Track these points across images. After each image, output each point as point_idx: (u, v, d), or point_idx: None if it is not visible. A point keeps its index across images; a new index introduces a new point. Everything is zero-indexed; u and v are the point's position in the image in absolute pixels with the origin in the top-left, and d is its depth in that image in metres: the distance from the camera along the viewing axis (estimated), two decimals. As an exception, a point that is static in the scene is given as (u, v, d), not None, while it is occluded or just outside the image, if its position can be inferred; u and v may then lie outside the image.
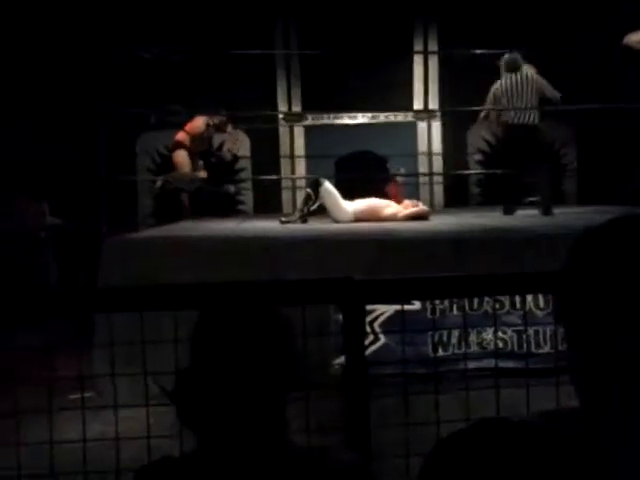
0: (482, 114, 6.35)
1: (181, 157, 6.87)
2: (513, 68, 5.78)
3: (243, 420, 0.95)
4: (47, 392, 1.57)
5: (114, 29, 7.31)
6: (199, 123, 6.93)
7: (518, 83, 5.70)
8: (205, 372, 0.95)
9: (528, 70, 5.78)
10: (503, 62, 5.88)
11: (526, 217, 5.33)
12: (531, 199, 6.18)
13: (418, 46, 8.44)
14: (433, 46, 8.40)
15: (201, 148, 7.10)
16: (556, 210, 5.60)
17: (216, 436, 0.95)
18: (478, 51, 7.11)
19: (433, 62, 8.41)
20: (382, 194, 6.06)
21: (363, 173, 7.61)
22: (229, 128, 7.26)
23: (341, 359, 3.03)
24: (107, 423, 1.94)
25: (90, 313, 2.72)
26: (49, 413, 1.51)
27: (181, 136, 6.95)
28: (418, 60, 8.45)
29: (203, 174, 7.12)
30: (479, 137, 8.39)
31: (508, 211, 5.79)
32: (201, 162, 7.12)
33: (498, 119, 5.94)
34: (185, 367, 0.98)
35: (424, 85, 8.45)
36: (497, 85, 5.86)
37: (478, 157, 8.42)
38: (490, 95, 5.89)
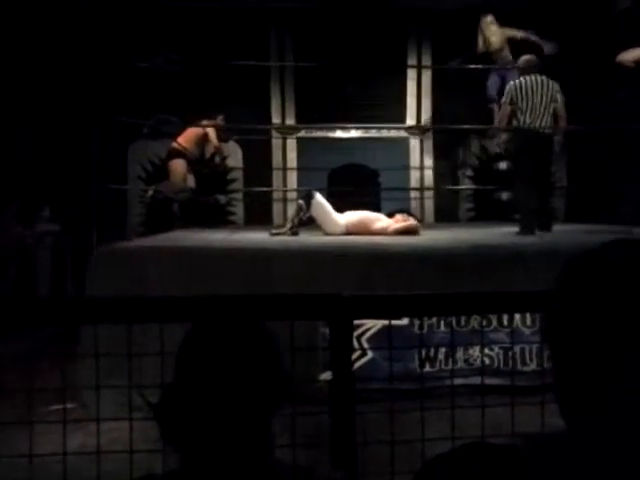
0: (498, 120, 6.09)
1: (179, 165, 6.88)
2: (531, 69, 5.53)
3: (228, 438, 0.94)
4: (27, 403, 1.54)
5: (112, 38, 7.32)
6: (192, 133, 6.94)
7: (535, 84, 5.43)
8: (190, 388, 0.94)
9: (548, 80, 5.52)
10: (520, 64, 5.70)
11: (513, 234, 5.32)
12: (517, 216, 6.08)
13: (412, 61, 8.51)
14: (427, 61, 8.47)
15: (196, 157, 7.11)
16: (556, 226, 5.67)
17: (200, 453, 0.94)
18: (471, 66, 7.18)
19: (426, 77, 8.48)
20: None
21: (355, 186, 7.64)
22: (222, 138, 7.28)
23: (328, 374, 3.03)
24: (89, 435, 1.92)
25: (74, 324, 2.69)
26: (29, 424, 1.49)
27: (177, 145, 6.96)
28: (411, 75, 8.52)
29: (192, 184, 7.13)
30: (470, 153, 8.45)
31: (528, 229, 5.30)
32: (190, 174, 7.13)
33: (510, 120, 5.60)
34: (169, 383, 0.97)
35: (417, 100, 8.50)
36: (511, 85, 5.58)
37: (469, 172, 8.47)
38: (507, 97, 5.56)
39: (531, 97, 5.38)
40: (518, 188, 5.62)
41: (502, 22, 7.27)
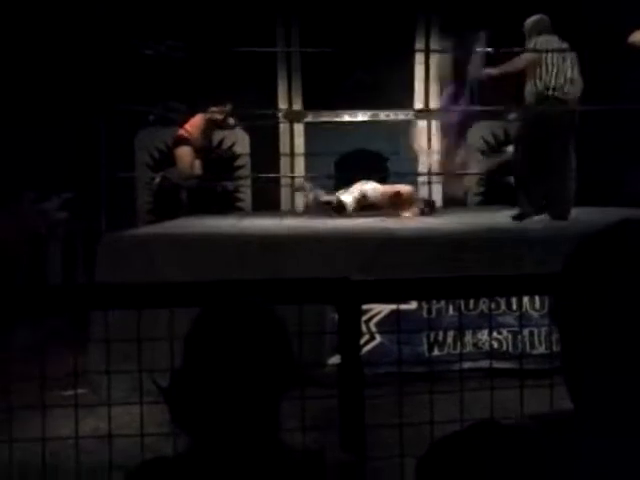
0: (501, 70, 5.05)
1: (184, 152, 6.90)
2: (545, 29, 4.84)
3: (237, 420, 0.95)
4: (40, 388, 1.56)
5: (116, 25, 7.30)
6: (199, 120, 6.95)
7: (559, 44, 4.76)
8: (199, 372, 0.95)
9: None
10: (530, 24, 4.92)
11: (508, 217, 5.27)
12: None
13: (420, 45, 8.43)
14: (435, 45, 8.39)
15: (202, 144, 7.11)
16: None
17: (210, 436, 0.95)
18: (479, 49, 7.10)
19: (434, 61, 8.40)
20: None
21: (363, 171, 7.61)
22: (231, 122, 7.28)
23: (336, 358, 3.03)
24: (101, 419, 1.94)
25: (85, 310, 2.72)
26: (42, 409, 1.51)
27: (183, 132, 6.97)
28: (419, 59, 8.45)
29: (198, 171, 7.15)
30: (479, 137, 8.39)
31: (523, 216, 4.87)
32: (197, 160, 7.14)
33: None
34: (179, 366, 0.98)
35: (425, 84, 8.44)
36: (525, 55, 4.84)
37: (478, 157, 8.41)
38: (523, 61, 4.83)
39: (557, 58, 4.68)
40: (521, 165, 4.95)
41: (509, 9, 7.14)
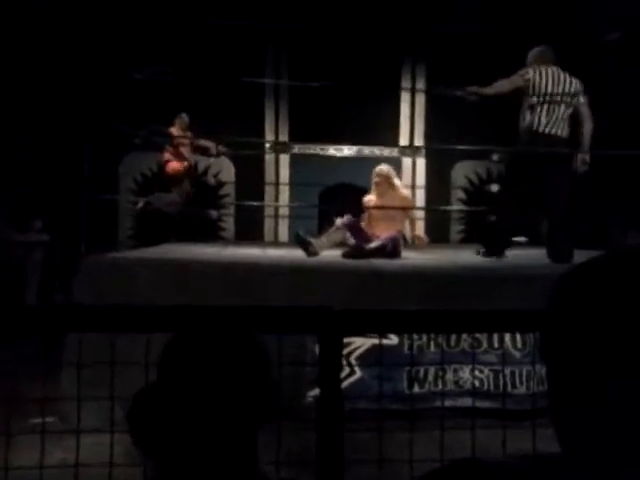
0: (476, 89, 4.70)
1: (177, 166, 6.92)
2: (549, 59, 4.58)
3: (210, 450, 0.90)
4: (5, 415, 1.50)
5: (106, 48, 7.33)
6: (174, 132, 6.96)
7: (556, 76, 4.45)
8: (170, 394, 0.90)
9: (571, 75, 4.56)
10: (535, 53, 4.65)
11: (510, 256, 5.30)
12: (519, 239, 5.80)
13: (406, 83, 8.58)
14: (421, 84, 8.54)
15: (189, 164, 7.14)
16: (536, 250, 5.24)
17: (178, 464, 0.90)
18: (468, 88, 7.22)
19: (420, 100, 8.55)
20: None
21: (346, 204, 7.63)
22: (216, 150, 7.29)
23: (316, 391, 2.98)
24: (69, 450, 1.87)
25: (56, 332, 2.65)
26: (7, 437, 1.44)
27: (169, 154, 7.00)
28: (405, 97, 8.59)
29: (188, 188, 7.15)
30: (463, 175, 8.49)
31: (496, 252, 4.69)
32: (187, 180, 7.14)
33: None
34: (143, 387, 0.93)
35: (410, 122, 8.56)
36: (529, 71, 4.49)
37: (461, 195, 8.50)
38: (523, 72, 4.49)
39: (551, 90, 4.40)
40: (506, 202, 4.74)
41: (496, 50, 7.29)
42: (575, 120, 4.50)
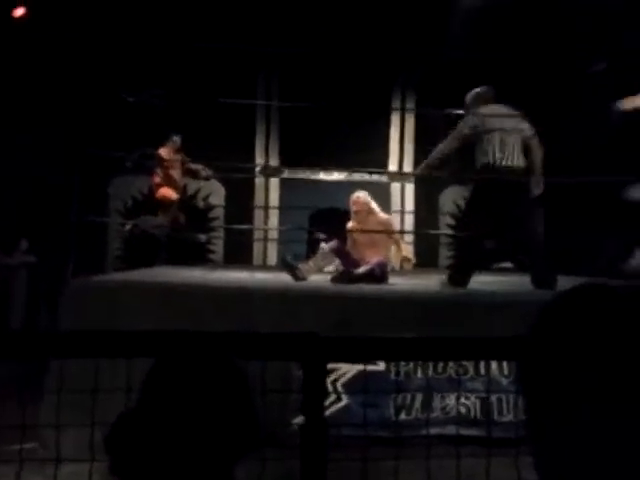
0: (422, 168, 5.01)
1: (168, 192, 6.92)
2: (490, 99, 4.74)
3: (188, 478, 0.89)
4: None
5: (99, 71, 7.37)
6: (162, 154, 6.95)
7: (499, 112, 4.61)
8: (149, 421, 0.89)
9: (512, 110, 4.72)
10: (474, 95, 4.81)
11: (493, 282, 5.34)
12: (500, 265, 5.84)
13: (396, 106, 8.67)
14: (411, 106, 8.64)
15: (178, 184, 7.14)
16: (522, 278, 5.13)
17: None
18: (456, 112, 7.31)
19: (409, 124, 8.63)
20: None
21: (335, 228, 7.65)
22: (205, 174, 7.30)
23: (300, 418, 2.95)
24: (49, 477, 1.84)
25: (37, 358, 2.62)
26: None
27: (159, 178, 7.00)
28: (395, 121, 8.68)
29: (182, 218, 7.15)
30: (451, 201, 8.56)
31: (460, 281, 4.60)
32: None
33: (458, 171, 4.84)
34: (123, 412, 0.91)
35: (400, 148, 8.64)
36: (469, 121, 4.63)
37: (449, 220, 8.55)
38: (463, 127, 4.64)
39: (499, 126, 4.53)
40: (469, 233, 4.74)
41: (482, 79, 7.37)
42: (525, 150, 4.63)
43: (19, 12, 7.02)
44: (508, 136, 4.54)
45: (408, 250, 5.50)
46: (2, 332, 3.36)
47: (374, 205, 5.55)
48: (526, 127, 4.67)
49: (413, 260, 5.60)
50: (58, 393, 1.45)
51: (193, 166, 7.14)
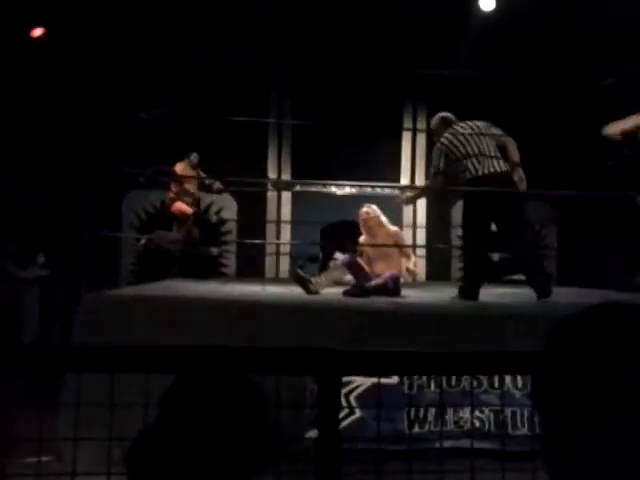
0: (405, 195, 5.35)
1: (183, 206, 6.99)
2: (452, 121, 4.86)
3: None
4: (1, 455, 1.49)
5: (113, 90, 7.46)
6: (179, 169, 7.03)
7: (468, 129, 4.73)
8: (169, 438, 0.91)
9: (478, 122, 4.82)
10: (437, 121, 4.94)
11: (505, 294, 5.31)
12: (509, 277, 5.81)
13: (407, 123, 8.70)
14: (422, 123, 8.66)
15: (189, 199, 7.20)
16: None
17: None
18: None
19: (421, 139, 8.65)
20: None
21: (347, 242, 7.66)
22: (216, 187, 7.36)
23: (314, 432, 2.94)
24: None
25: (53, 372, 2.64)
26: (1, 477, 1.43)
27: (172, 194, 7.08)
28: (407, 137, 8.70)
29: (196, 232, 7.21)
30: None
31: (470, 295, 4.60)
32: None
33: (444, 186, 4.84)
34: (146, 428, 0.93)
35: (411, 161, 8.65)
36: (440, 143, 4.75)
37: (461, 233, 8.53)
38: (437, 156, 4.75)
39: (473, 142, 4.65)
40: (469, 246, 4.85)
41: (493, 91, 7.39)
42: (502, 150, 4.72)
43: (37, 32, 7.15)
44: (480, 144, 4.65)
45: (413, 262, 5.48)
46: (18, 346, 3.39)
47: (383, 218, 5.56)
48: (496, 130, 4.77)
49: (418, 272, 5.58)
50: (77, 406, 1.46)
51: (207, 181, 7.21)
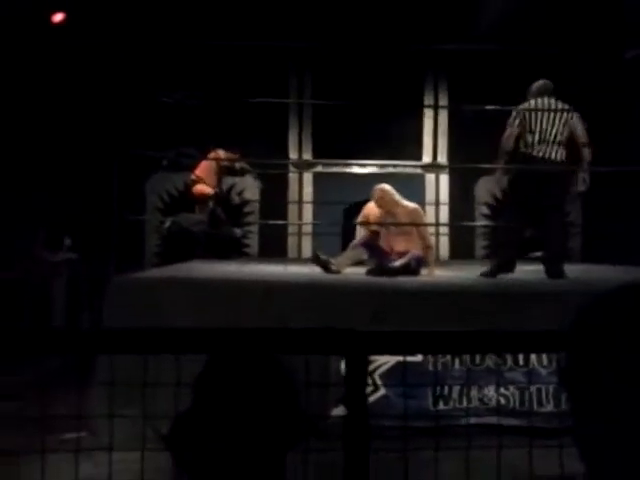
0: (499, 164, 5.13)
1: (204, 188, 7.03)
2: (545, 91, 4.93)
3: (241, 471, 0.94)
4: (40, 431, 1.55)
5: (135, 74, 7.50)
6: (209, 165, 7.07)
7: (547, 106, 4.82)
8: (205, 419, 0.95)
9: (563, 104, 4.91)
10: (534, 87, 5.02)
11: (530, 272, 5.27)
12: (536, 254, 5.81)
13: (429, 100, 8.61)
14: (443, 100, 8.56)
15: (214, 187, 7.24)
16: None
17: None
18: (488, 107, 7.23)
19: (443, 116, 8.56)
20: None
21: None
22: (239, 166, 7.39)
23: (340, 409, 2.98)
24: (100, 465, 1.91)
25: (88, 354, 2.71)
26: (42, 453, 1.49)
27: (195, 177, 7.12)
28: (428, 114, 8.61)
29: (220, 213, 7.25)
30: (486, 190, 8.46)
31: (504, 268, 4.81)
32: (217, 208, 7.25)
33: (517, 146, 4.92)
34: (182, 411, 0.97)
35: (433, 139, 8.57)
36: (524, 105, 4.92)
37: (485, 211, 8.46)
38: (513, 117, 4.86)
39: (541, 121, 4.77)
40: (504, 221, 5.04)
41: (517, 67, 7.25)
42: (573, 144, 4.83)
43: (58, 17, 7.19)
44: (552, 127, 4.76)
45: (431, 240, 5.48)
46: (50, 329, 3.48)
47: (398, 196, 5.51)
48: (576, 124, 4.82)
49: (432, 249, 5.54)
50: (110, 385, 1.51)
51: (237, 165, 7.26)
